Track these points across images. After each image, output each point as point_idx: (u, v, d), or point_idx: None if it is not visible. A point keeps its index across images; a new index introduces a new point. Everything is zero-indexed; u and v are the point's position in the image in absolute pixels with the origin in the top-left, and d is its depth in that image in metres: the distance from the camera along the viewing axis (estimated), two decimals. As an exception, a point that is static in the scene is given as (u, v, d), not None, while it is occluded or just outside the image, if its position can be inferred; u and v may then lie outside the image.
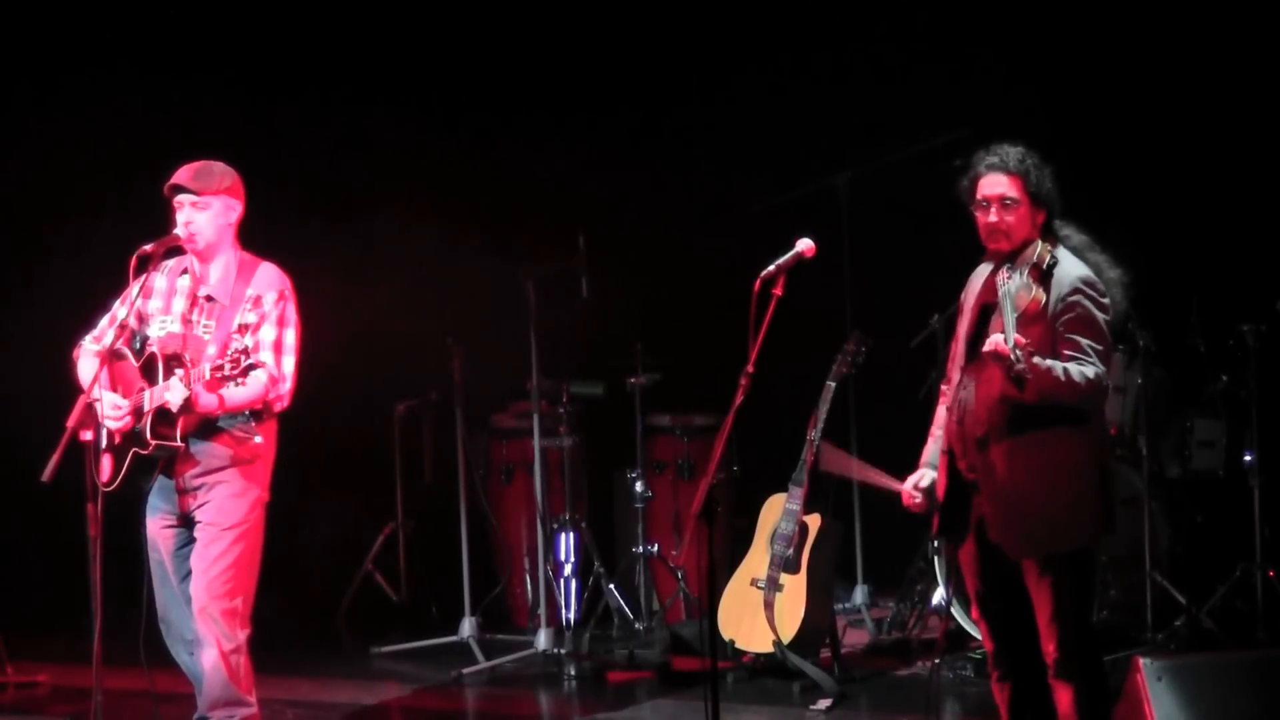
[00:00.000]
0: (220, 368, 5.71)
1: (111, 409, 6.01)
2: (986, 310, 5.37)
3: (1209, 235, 8.34)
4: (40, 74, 9.52)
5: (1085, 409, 5.28)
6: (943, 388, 5.61)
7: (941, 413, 5.56)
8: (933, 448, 5.59)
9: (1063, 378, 5.13)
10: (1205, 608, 7.73)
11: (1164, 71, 8.42)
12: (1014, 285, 5.23)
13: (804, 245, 5.28)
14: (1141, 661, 5.86)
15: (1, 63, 9.46)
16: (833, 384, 7.54)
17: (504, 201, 9.44)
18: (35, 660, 8.06)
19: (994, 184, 5.33)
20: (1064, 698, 5.32)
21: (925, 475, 5.57)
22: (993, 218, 5.32)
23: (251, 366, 5.75)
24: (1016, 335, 5.01)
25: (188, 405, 5.87)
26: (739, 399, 5.15)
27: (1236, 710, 5.86)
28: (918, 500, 5.55)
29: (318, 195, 9.53)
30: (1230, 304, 7.99)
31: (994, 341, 5.04)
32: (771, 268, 5.21)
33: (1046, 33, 8.65)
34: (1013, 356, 4.97)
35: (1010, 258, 5.33)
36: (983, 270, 5.50)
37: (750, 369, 5.14)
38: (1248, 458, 7.98)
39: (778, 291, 5.17)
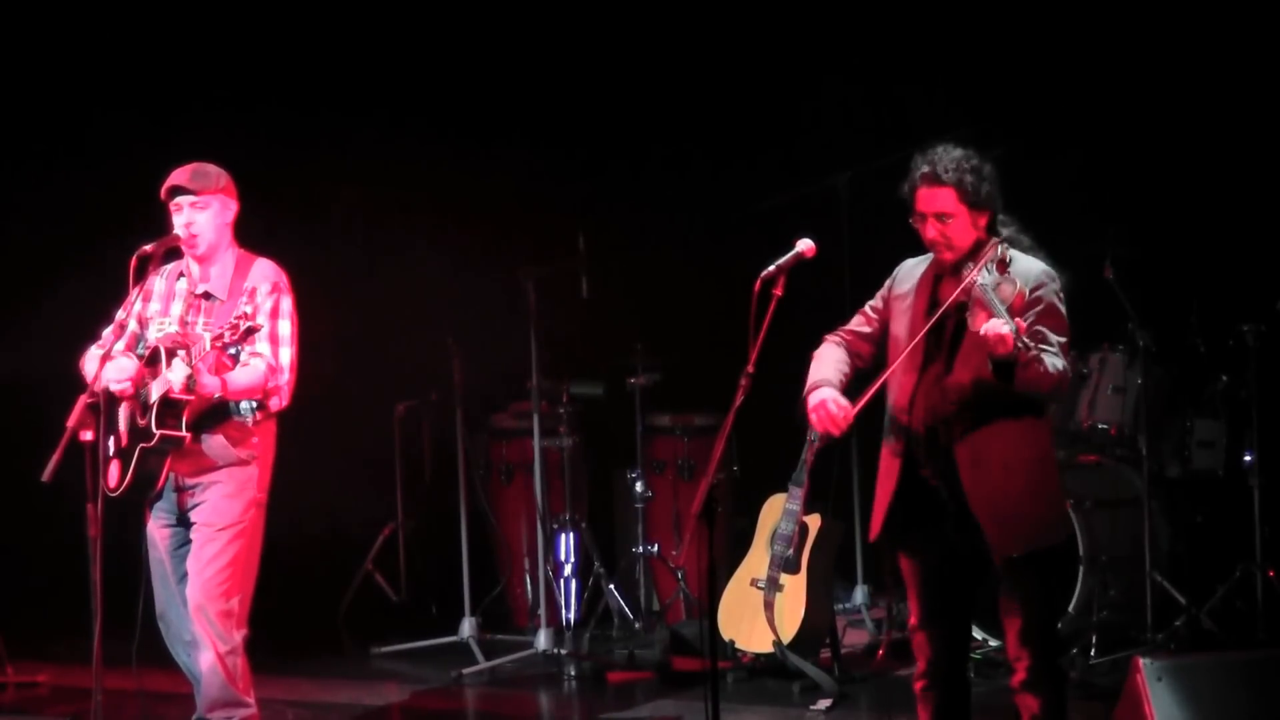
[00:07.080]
0: (220, 336, 5.71)
1: (117, 371, 5.97)
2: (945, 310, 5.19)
3: (1209, 236, 8.34)
4: (44, 95, 9.55)
5: (1043, 401, 5.18)
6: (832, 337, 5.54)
7: (828, 349, 5.49)
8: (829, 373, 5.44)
9: (1044, 368, 4.97)
10: (1205, 608, 7.72)
11: (1164, 72, 8.41)
12: (992, 280, 5.01)
13: (804, 245, 5.27)
14: (1141, 661, 5.85)
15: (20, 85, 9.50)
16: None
17: (504, 202, 9.43)
18: (35, 660, 8.06)
19: (928, 198, 5.18)
20: (1032, 707, 5.23)
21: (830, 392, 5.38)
22: (931, 234, 5.20)
23: (251, 330, 5.71)
24: (1018, 321, 4.86)
25: (190, 385, 5.80)
26: (739, 399, 5.14)
27: (1236, 710, 5.85)
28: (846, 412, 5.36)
29: (318, 196, 9.53)
30: (1230, 304, 7.99)
31: (994, 329, 4.84)
32: (772, 268, 5.19)
33: (1047, 33, 8.65)
34: (1019, 344, 4.82)
35: (963, 261, 5.19)
36: (917, 266, 5.38)
37: (750, 369, 5.12)
38: (1248, 458, 7.97)
39: (778, 292, 5.15)
